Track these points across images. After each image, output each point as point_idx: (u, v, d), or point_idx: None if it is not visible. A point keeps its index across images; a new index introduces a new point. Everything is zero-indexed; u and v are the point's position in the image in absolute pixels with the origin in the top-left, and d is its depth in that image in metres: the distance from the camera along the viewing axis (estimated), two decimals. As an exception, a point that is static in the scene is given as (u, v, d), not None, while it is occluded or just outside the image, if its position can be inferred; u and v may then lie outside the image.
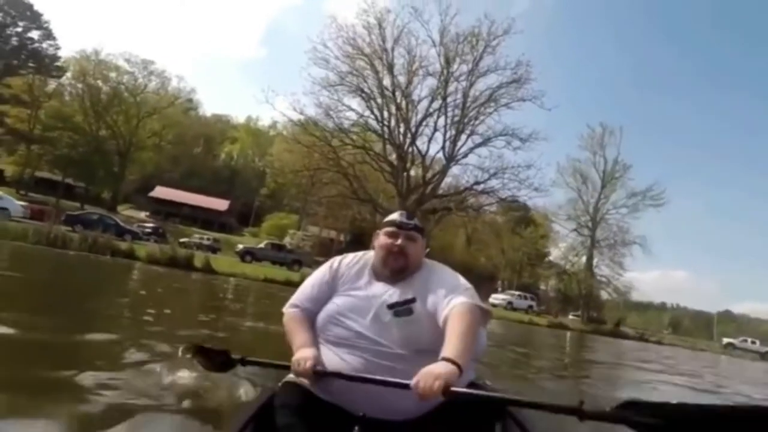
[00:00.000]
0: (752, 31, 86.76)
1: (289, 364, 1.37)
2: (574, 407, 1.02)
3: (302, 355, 1.34)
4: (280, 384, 1.42)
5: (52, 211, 17.24)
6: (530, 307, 33.13)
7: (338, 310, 1.43)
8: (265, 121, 68.67)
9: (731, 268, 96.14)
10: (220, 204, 54.91)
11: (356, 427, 1.23)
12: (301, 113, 22.23)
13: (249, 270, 17.02)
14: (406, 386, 1.17)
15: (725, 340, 41.44)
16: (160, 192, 52.63)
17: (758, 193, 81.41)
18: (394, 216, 1.54)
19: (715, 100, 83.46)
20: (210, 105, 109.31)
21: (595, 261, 37.07)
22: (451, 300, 1.37)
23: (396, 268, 1.46)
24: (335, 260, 1.58)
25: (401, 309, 1.38)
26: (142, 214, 46.57)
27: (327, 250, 36.12)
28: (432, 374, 1.13)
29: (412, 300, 1.40)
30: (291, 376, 1.43)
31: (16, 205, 17.28)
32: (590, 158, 36.74)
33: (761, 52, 77.77)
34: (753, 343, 38.53)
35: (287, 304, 1.55)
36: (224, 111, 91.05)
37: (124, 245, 14.05)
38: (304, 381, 1.36)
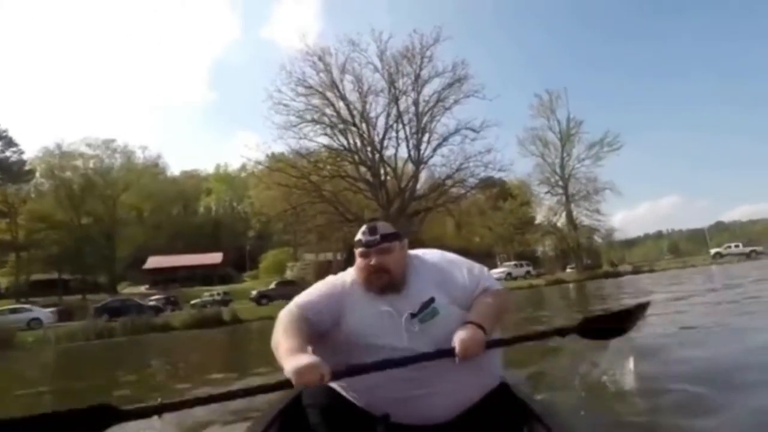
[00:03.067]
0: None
1: (287, 379, 1.13)
2: (554, 329, 1.43)
3: (304, 361, 1.13)
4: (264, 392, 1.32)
5: (89, 306, 18.63)
6: (528, 272, 35.39)
7: (365, 327, 1.35)
8: (234, 165, 69.90)
9: (718, 179, 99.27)
10: (214, 257, 55.77)
11: (379, 428, 1.20)
12: (274, 157, 24.10)
13: (268, 311, 18.70)
14: (449, 352, 1.22)
15: (712, 251, 43.83)
16: (153, 262, 53.33)
17: (733, 100, 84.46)
18: (359, 235, 1.43)
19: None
20: (176, 162, 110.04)
21: (574, 213, 39.67)
22: (477, 285, 1.41)
23: (381, 286, 1.37)
24: (340, 279, 1.48)
25: (425, 314, 1.33)
26: (142, 288, 47.34)
27: (327, 272, 37.35)
28: (467, 333, 1.25)
29: (431, 301, 1.35)
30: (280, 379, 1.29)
31: (46, 312, 18.67)
32: (545, 123, 39.51)
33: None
34: (737, 246, 40.57)
35: (289, 306, 1.41)
36: (191, 165, 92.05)
37: (159, 321, 15.63)
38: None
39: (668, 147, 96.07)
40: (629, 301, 6.12)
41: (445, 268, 1.46)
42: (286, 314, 1.38)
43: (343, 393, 1.34)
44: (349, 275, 1.48)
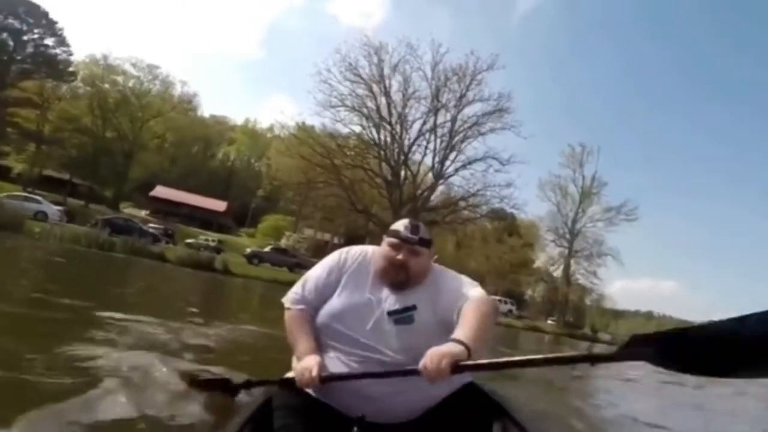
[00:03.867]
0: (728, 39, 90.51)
1: (293, 377, 1.33)
2: (585, 355, 1.09)
3: (306, 364, 1.28)
4: (277, 385, 1.40)
5: (92, 214, 19.32)
6: (510, 311, 35.80)
7: (340, 312, 1.39)
8: (263, 124, 70.70)
9: (723, 281, 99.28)
10: (218, 205, 56.59)
11: (355, 429, 1.21)
12: (304, 127, 24.75)
13: (258, 272, 19.40)
14: (415, 371, 1.17)
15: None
16: (160, 192, 54.26)
17: (755, 208, 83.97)
18: (399, 227, 1.45)
19: (696, 112, 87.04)
20: (208, 105, 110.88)
21: (572, 269, 40.02)
22: (463, 294, 1.38)
23: (396, 281, 1.40)
24: (342, 252, 1.53)
25: (401, 317, 1.35)
26: (142, 213, 48.24)
27: (321, 252, 38.36)
28: (439, 353, 1.14)
29: (413, 308, 1.36)
30: (289, 375, 1.40)
31: (54, 209, 19.41)
32: (570, 174, 39.86)
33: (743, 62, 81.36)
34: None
35: (290, 298, 1.49)
36: (222, 112, 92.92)
37: (156, 249, 16.31)
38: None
39: (684, 235, 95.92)
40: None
41: (442, 282, 1.46)
42: (288, 313, 1.47)
43: (313, 393, 1.35)
44: (364, 253, 1.52)
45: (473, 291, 1.40)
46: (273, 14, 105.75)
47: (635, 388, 6.51)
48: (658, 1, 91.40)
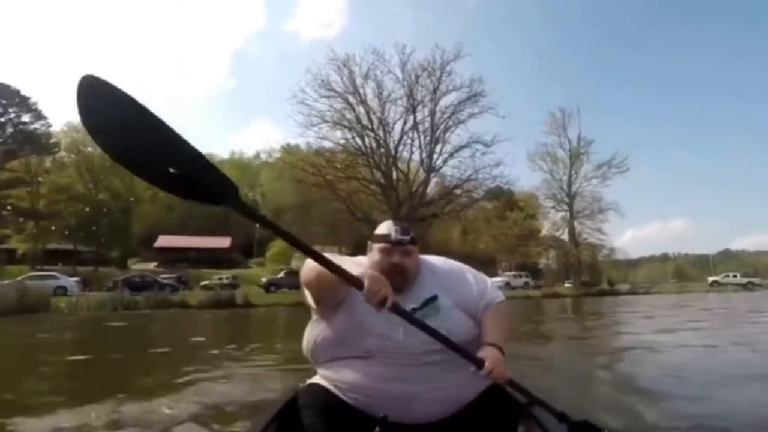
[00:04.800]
0: None
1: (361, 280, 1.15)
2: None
3: (381, 277, 1.17)
4: (303, 384, 1.37)
5: (103, 278, 19.87)
6: (526, 283, 36.38)
7: (360, 319, 1.32)
8: (249, 152, 71.25)
9: (730, 204, 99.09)
10: (222, 242, 57.00)
11: (377, 428, 1.18)
12: (290, 149, 25.33)
13: (278, 298, 19.95)
14: (479, 361, 1.22)
15: (710, 279, 44.44)
16: (164, 241, 54.67)
17: (751, 125, 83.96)
18: (386, 230, 1.40)
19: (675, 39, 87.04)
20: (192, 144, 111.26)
21: (578, 230, 40.55)
22: (485, 292, 1.43)
23: (394, 285, 1.27)
24: (353, 260, 1.46)
25: (426, 311, 1.33)
26: (151, 266, 48.72)
27: (332, 266, 38.79)
28: (499, 359, 1.22)
29: (434, 298, 1.35)
30: (315, 378, 1.40)
31: (71, 281, 20.00)
32: (556, 140, 40.42)
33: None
34: (734, 276, 41.29)
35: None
36: (207, 148, 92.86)
37: (176, 298, 16.89)
38: (322, 383, 1.35)
39: (682, 167, 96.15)
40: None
41: (451, 273, 1.47)
42: (306, 266, 1.35)
43: (339, 393, 1.32)
44: (362, 262, 1.45)
45: (492, 293, 1.45)
46: (236, 43, 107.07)
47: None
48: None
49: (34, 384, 3.99)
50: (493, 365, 1.21)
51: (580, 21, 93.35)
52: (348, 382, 1.30)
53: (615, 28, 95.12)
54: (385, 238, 1.40)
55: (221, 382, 3.75)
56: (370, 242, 1.45)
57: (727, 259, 77.51)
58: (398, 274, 1.36)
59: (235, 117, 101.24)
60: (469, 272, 1.50)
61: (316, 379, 1.40)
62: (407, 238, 1.39)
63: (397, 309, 1.18)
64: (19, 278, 18.52)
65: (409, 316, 1.22)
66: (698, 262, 78.37)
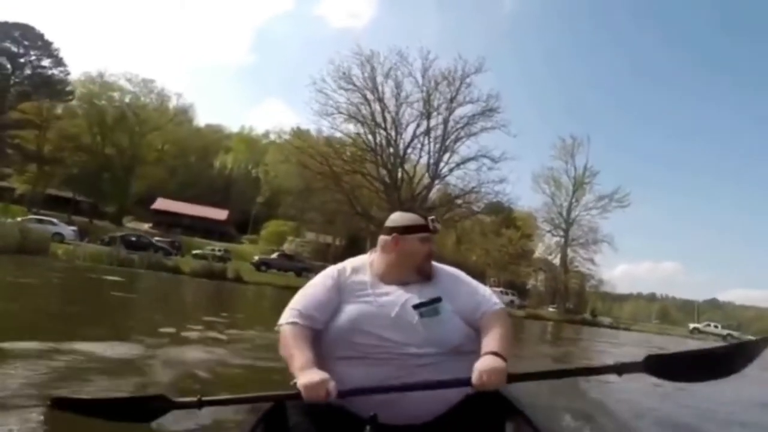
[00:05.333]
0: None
1: (274, 394, 1.31)
2: (613, 365, 1.29)
3: (316, 377, 1.20)
4: (291, 382, 1.30)
5: (114, 237, 20.20)
6: (512, 301, 36.80)
7: (357, 319, 1.36)
8: (258, 129, 71.40)
9: (723, 256, 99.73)
10: (219, 214, 57.04)
11: (367, 428, 1.17)
12: (300, 132, 25.67)
13: (269, 278, 20.29)
14: (467, 383, 1.22)
15: (691, 325, 45.00)
16: (162, 204, 54.70)
17: (752, 180, 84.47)
18: (420, 221, 1.49)
19: (690, 89, 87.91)
20: (203, 114, 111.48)
21: (570, 257, 41.07)
22: (483, 301, 1.44)
23: (427, 274, 1.46)
24: (338, 267, 1.52)
25: (427, 309, 1.36)
26: (145, 226, 48.89)
27: (324, 255, 39.16)
28: (491, 368, 1.22)
29: (438, 299, 1.38)
30: (292, 389, 1.34)
31: (69, 230, 20.28)
32: (562, 166, 40.86)
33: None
34: (716, 327, 41.69)
35: (287, 314, 1.40)
36: (217, 120, 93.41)
37: (169, 263, 17.21)
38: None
39: (682, 212, 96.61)
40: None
41: (458, 282, 1.50)
42: (291, 329, 1.36)
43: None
44: (358, 262, 1.53)
45: (492, 300, 1.47)
46: (261, 20, 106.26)
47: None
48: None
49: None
50: (483, 376, 1.21)
51: (607, 53, 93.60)
52: (338, 381, 1.26)
53: (642, 65, 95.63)
54: (424, 228, 1.48)
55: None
56: (382, 236, 1.49)
57: (714, 308, 77.98)
58: (429, 263, 1.48)
59: (250, 93, 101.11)
60: (472, 283, 1.54)
61: None
62: (438, 227, 1.51)
63: (342, 394, 1.22)
64: (20, 219, 18.78)
65: (363, 391, 1.26)
66: (684, 307, 78.75)
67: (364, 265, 1.52)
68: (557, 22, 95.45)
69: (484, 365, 1.23)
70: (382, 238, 1.50)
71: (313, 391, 1.18)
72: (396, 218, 1.51)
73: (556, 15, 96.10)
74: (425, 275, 1.46)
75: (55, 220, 20.40)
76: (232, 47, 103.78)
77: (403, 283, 1.43)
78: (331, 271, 1.51)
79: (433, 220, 1.50)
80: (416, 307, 1.37)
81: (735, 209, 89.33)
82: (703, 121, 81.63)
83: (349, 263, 1.53)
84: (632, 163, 77.37)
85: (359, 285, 1.45)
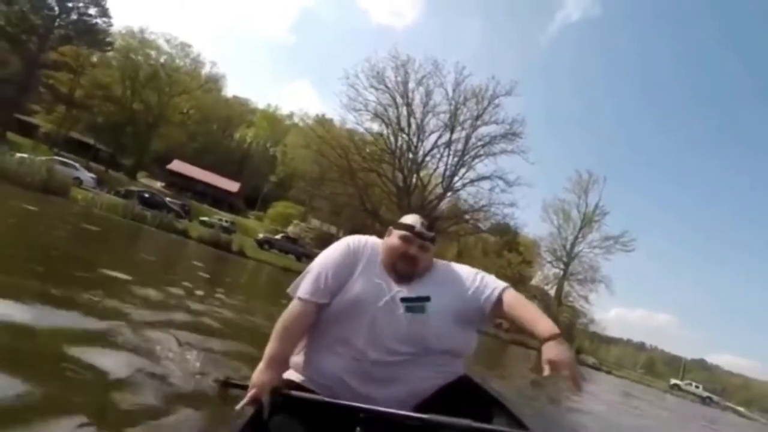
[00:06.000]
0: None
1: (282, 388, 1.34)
2: None
3: (265, 378, 1.31)
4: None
5: (131, 192, 20.78)
6: (500, 324, 36.99)
7: (356, 296, 1.40)
8: (284, 109, 72.10)
9: (720, 319, 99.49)
10: (232, 185, 57.72)
11: (357, 428, 1.19)
12: (323, 120, 26.09)
13: (270, 258, 20.82)
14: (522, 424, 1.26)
15: (672, 381, 44.88)
16: (177, 166, 55.52)
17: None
18: (412, 221, 1.49)
19: (711, 148, 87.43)
20: (233, 85, 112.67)
21: (566, 291, 41.26)
22: (488, 284, 1.45)
23: (403, 274, 1.43)
24: (351, 240, 1.53)
25: (414, 305, 1.37)
26: (158, 185, 49.74)
27: (326, 244, 39.18)
28: (558, 352, 1.24)
29: (426, 298, 1.38)
30: (289, 374, 1.44)
31: (88, 176, 20.87)
32: (574, 200, 41.08)
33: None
34: (696, 387, 41.56)
35: (305, 289, 1.42)
36: (246, 93, 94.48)
37: (179, 226, 17.71)
38: (296, 379, 1.41)
39: (686, 269, 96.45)
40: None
41: (457, 279, 1.48)
42: (294, 309, 1.42)
43: (312, 386, 1.38)
44: (373, 242, 1.54)
45: (497, 280, 1.49)
46: (308, 1, 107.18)
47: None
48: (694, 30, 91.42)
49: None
50: (555, 363, 1.22)
51: (639, 103, 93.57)
52: (321, 378, 1.33)
53: (671, 121, 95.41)
54: (410, 228, 1.48)
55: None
56: (390, 228, 1.53)
57: (701, 368, 77.47)
58: (408, 264, 1.45)
59: (282, 72, 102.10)
60: (473, 271, 1.53)
61: (289, 374, 1.45)
62: (430, 234, 1.49)
63: (282, 392, 1.31)
64: (44, 158, 19.39)
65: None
66: (671, 362, 78.24)
67: (374, 248, 1.53)
68: (593, 62, 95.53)
69: (565, 360, 1.23)
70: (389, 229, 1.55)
71: (258, 389, 1.30)
72: (404, 216, 1.59)
73: (593, 56, 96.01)
74: (401, 274, 1.44)
75: (77, 165, 20.99)
76: (273, 23, 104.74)
77: (399, 276, 1.45)
78: (347, 244, 1.52)
79: (423, 224, 1.50)
80: (404, 300, 1.39)
81: (739, 276, 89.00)
82: (722, 185, 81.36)
83: (366, 240, 1.54)
84: (644, 212, 77.27)
85: (372, 264, 1.47)
